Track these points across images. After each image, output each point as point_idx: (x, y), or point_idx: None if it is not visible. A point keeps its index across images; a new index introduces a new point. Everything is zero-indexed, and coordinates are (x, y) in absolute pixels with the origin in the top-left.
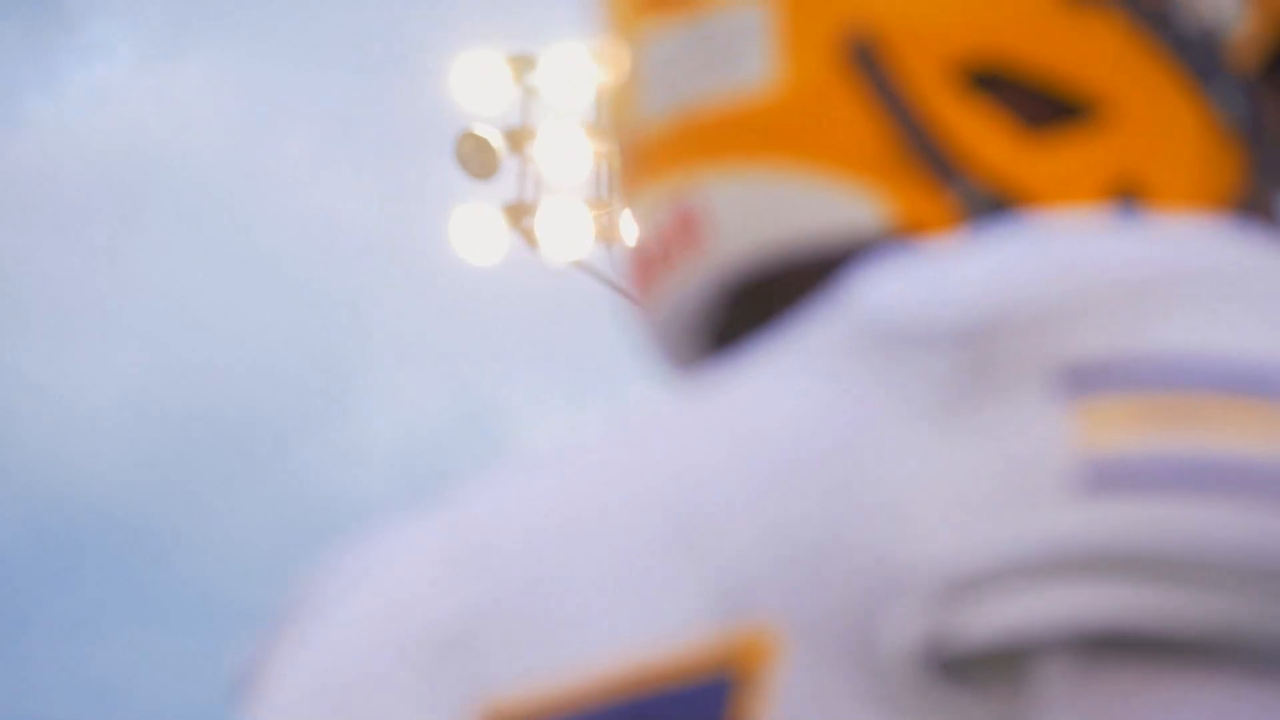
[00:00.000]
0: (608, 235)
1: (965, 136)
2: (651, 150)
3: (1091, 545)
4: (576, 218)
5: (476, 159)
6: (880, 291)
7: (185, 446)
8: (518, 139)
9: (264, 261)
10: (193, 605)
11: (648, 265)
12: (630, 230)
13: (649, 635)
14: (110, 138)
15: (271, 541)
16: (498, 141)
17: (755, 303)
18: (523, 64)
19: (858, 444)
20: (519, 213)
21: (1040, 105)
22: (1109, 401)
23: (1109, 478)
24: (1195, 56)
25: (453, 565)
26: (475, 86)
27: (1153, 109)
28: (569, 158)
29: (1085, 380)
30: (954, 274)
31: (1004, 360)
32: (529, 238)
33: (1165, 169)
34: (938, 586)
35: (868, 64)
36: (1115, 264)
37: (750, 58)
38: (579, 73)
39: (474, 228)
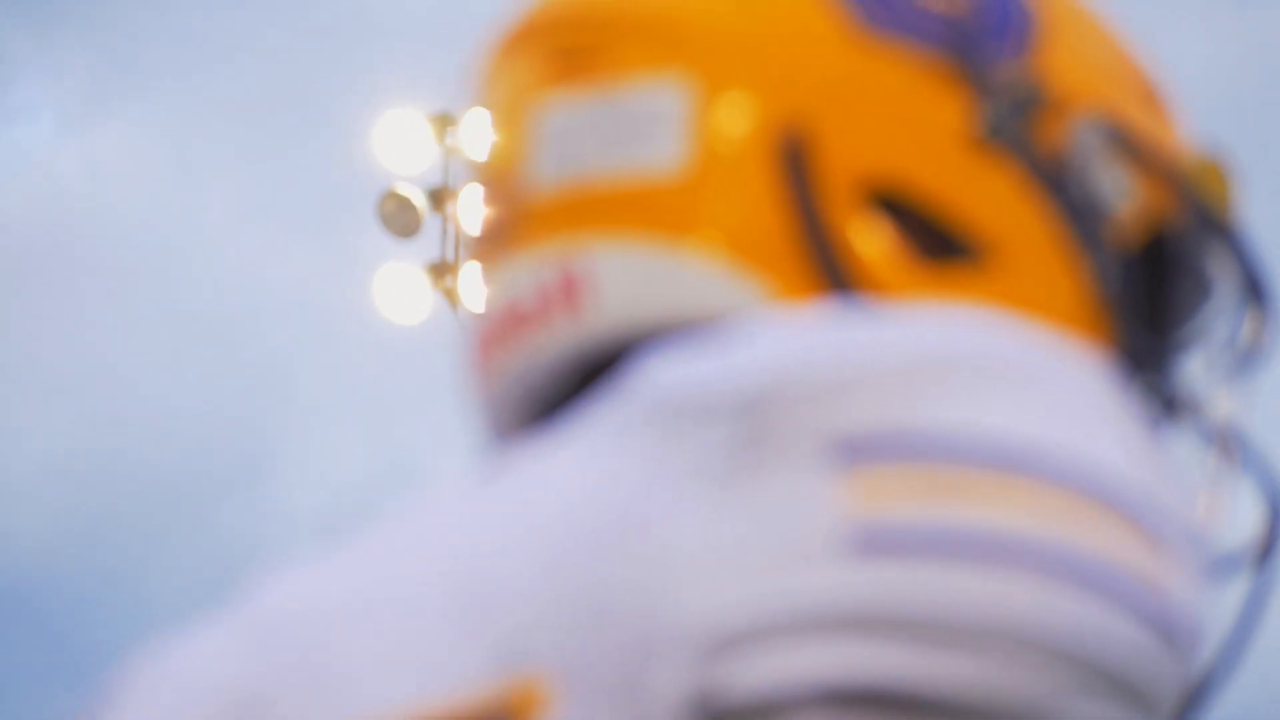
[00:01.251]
0: None
1: (860, 250)
2: (537, 213)
3: (852, 606)
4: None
5: (399, 218)
6: (665, 371)
7: (108, 507)
8: (440, 198)
9: (188, 322)
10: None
11: (514, 323)
12: (490, 289)
13: (431, 691)
14: (33, 200)
15: (195, 604)
16: (420, 201)
17: (604, 377)
18: (444, 123)
19: (632, 511)
20: (442, 272)
21: (932, 238)
22: (877, 472)
23: (874, 542)
24: (1082, 223)
25: (244, 640)
26: (397, 146)
27: (1034, 264)
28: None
29: (856, 451)
30: (734, 355)
31: (778, 432)
32: (452, 297)
33: (1035, 322)
34: (704, 642)
35: (793, 161)
36: (886, 347)
37: (662, 139)
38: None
39: (397, 287)
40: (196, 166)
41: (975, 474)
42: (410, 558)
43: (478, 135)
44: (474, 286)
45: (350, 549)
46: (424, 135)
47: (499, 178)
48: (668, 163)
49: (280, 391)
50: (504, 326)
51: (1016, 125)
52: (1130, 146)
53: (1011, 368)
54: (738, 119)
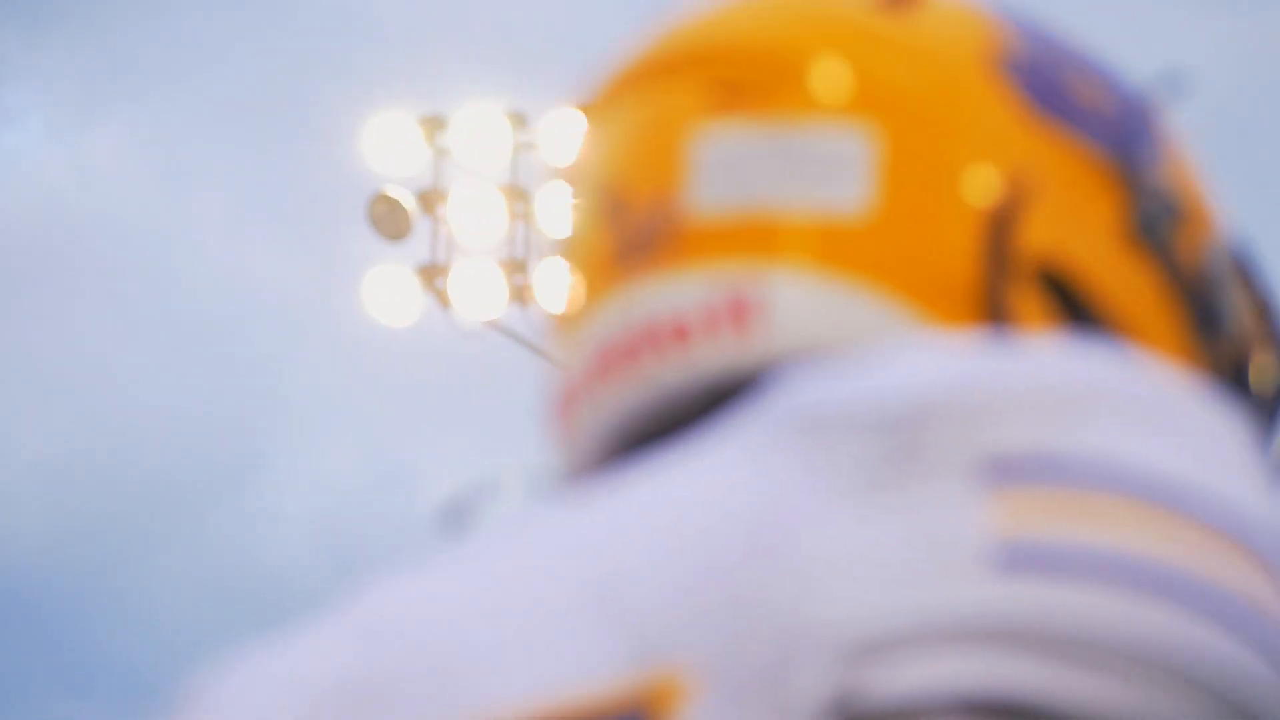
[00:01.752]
0: (521, 296)
1: (1023, 314)
2: (698, 234)
3: (995, 620)
4: (490, 279)
5: (389, 221)
6: (813, 386)
7: (102, 510)
8: (430, 201)
9: (179, 326)
10: (108, 670)
11: (664, 337)
12: (622, 302)
13: (562, 681)
14: (25, 204)
15: (188, 605)
16: (410, 203)
17: (730, 401)
18: (434, 125)
19: (780, 515)
20: (432, 274)
21: (1076, 319)
22: (1025, 493)
23: (1019, 560)
24: (1210, 338)
25: (351, 634)
26: (387, 149)
27: (1161, 353)
28: (482, 219)
29: (1005, 471)
30: (884, 372)
31: (929, 447)
32: (442, 299)
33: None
34: (847, 646)
35: (1000, 224)
36: (1036, 374)
37: (847, 181)
38: (491, 134)
39: (387, 289)
40: (187, 170)
41: (1118, 501)
42: (535, 556)
43: (468, 137)
44: (552, 286)
45: (460, 555)
46: (414, 138)
47: (632, 195)
48: (853, 204)
49: (271, 394)
50: (646, 339)
51: (1164, 229)
52: (1249, 281)
53: (1152, 403)
54: (938, 174)
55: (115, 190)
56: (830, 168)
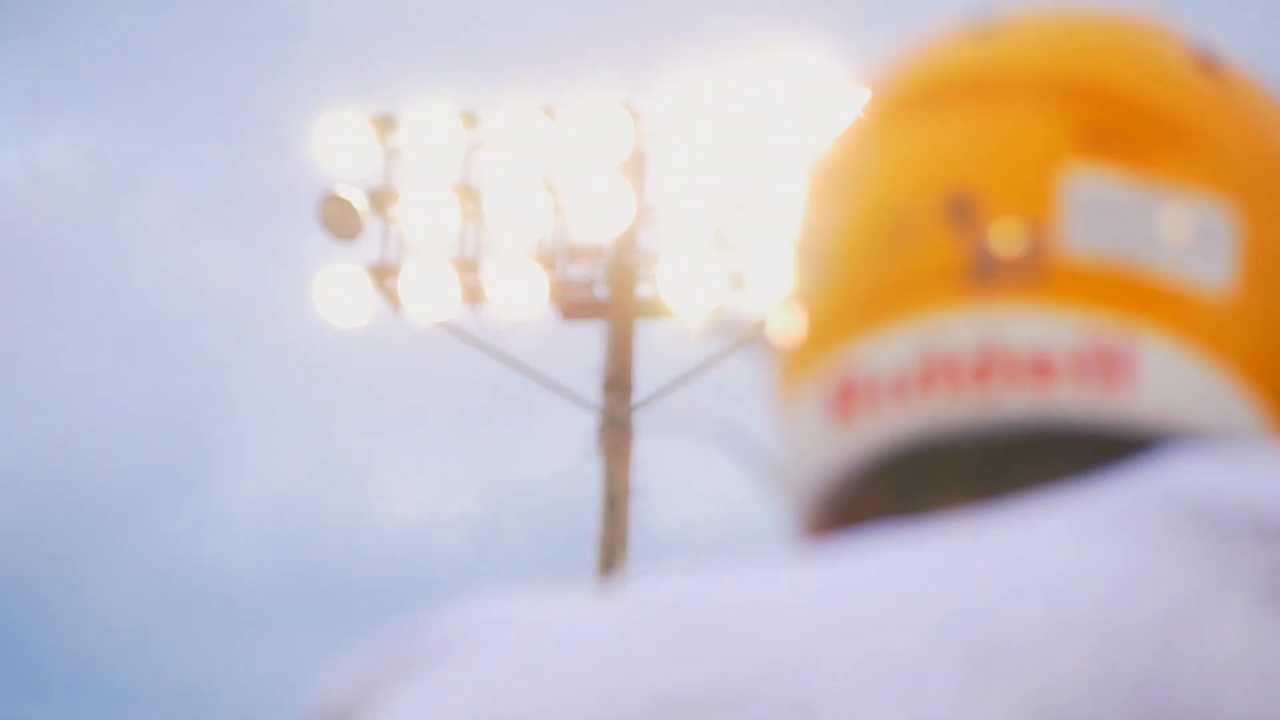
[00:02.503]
0: (472, 296)
1: None
2: (1070, 274)
3: None
4: (441, 279)
5: (340, 221)
6: (1199, 472)
7: (52, 512)
8: (381, 201)
9: (129, 326)
10: (58, 671)
11: (1011, 368)
12: (958, 324)
13: None
14: None
15: (138, 605)
16: (361, 203)
17: (1026, 460)
18: (385, 125)
19: (1192, 613)
20: (383, 274)
21: None
22: None
23: None
24: None
25: (693, 642)
26: (338, 149)
27: None
28: (433, 219)
29: None
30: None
31: None
32: (393, 299)
33: None
34: None
35: None
36: None
37: (1214, 258)
38: (442, 133)
39: (338, 289)
40: (137, 171)
41: None
42: (890, 586)
43: (419, 137)
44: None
45: (795, 562)
46: (364, 137)
47: (988, 206)
48: (1219, 282)
49: (221, 394)
50: (1002, 363)
51: None
52: None
53: None
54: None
55: (66, 191)
56: (1200, 240)
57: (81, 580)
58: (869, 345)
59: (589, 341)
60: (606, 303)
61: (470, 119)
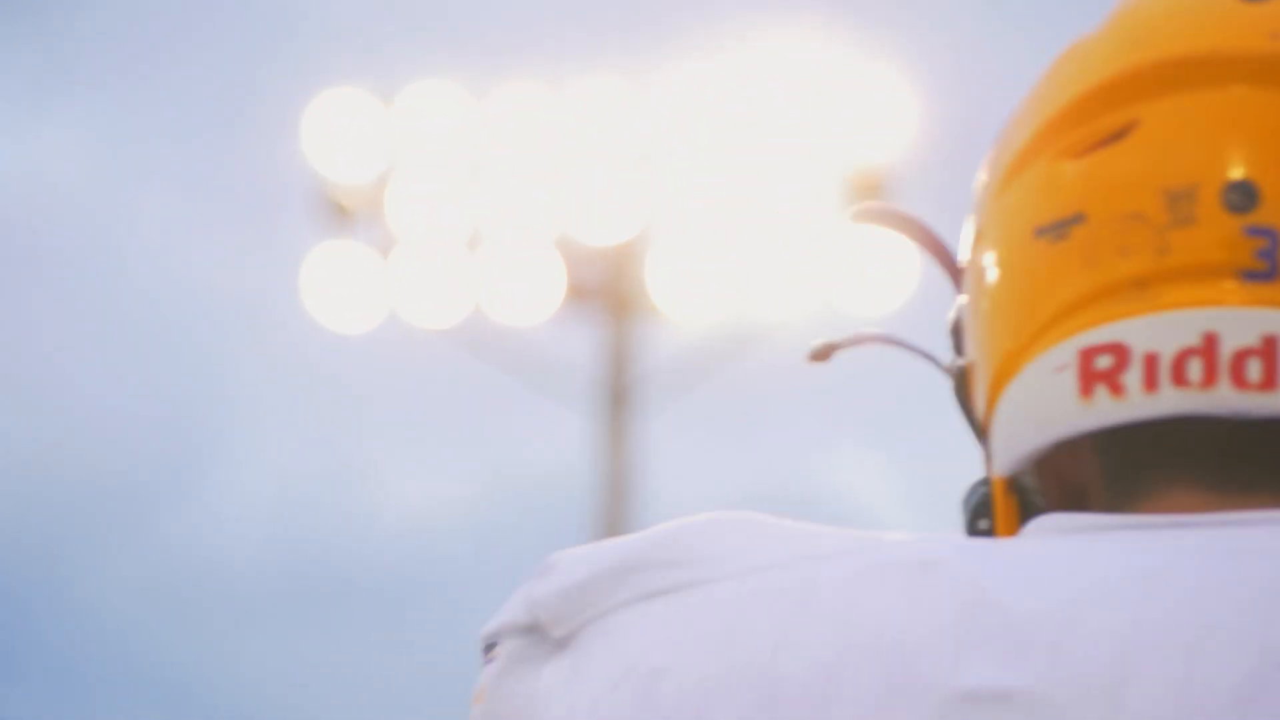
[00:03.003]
0: (470, 284)
1: None
2: None
3: None
4: (437, 271)
5: (335, 213)
6: None
7: (48, 507)
8: (377, 190)
9: (125, 321)
10: (52, 666)
11: (1234, 361)
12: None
13: None
14: None
15: (134, 601)
16: (357, 194)
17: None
18: (382, 111)
19: None
20: (378, 267)
21: None
22: None
23: None
24: None
25: (1013, 643)
26: (331, 135)
27: None
28: (428, 209)
29: None
30: None
31: None
32: (388, 292)
33: None
34: None
35: None
36: None
37: None
38: (440, 117)
39: (332, 283)
40: (132, 165)
41: None
42: (1199, 595)
43: (417, 121)
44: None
45: (1095, 555)
46: (361, 124)
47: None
48: None
49: (219, 390)
50: (1267, 358)
51: None
52: None
53: None
54: None
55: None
56: None
57: (76, 576)
58: (1149, 325)
59: (591, 330)
60: (610, 290)
61: (469, 100)
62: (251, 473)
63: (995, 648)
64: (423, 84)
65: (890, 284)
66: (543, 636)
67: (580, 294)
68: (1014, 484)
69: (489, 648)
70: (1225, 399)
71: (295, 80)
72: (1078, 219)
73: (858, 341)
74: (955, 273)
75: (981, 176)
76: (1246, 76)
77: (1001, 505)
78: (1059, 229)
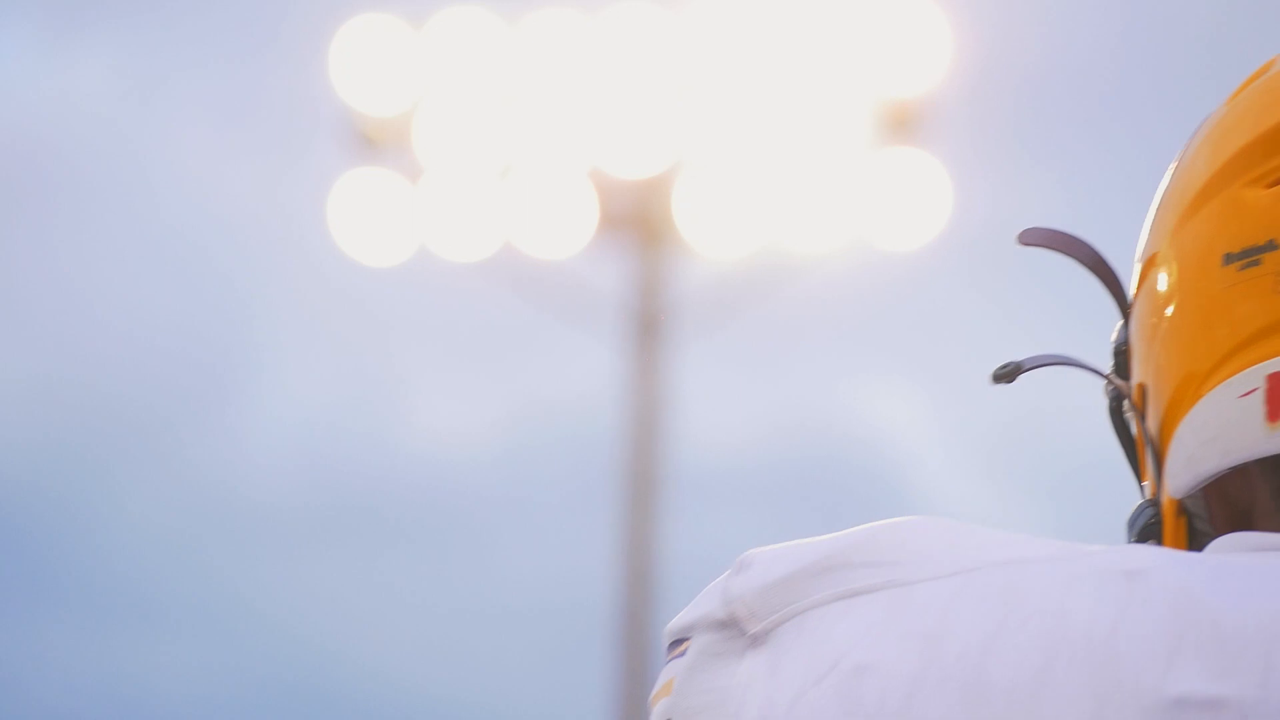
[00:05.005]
0: (498, 214)
1: None
2: None
3: None
4: (465, 199)
5: (363, 142)
6: None
7: (76, 431)
8: (405, 121)
9: (153, 247)
10: (83, 591)
11: None
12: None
13: None
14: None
15: (164, 525)
16: (384, 124)
17: None
18: (412, 38)
19: None
20: (406, 196)
21: None
22: None
23: None
24: None
25: (1200, 651)
26: (361, 67)
27: None
28: (458, 139)
29: None
30: None
31: None
32: (419, 219)
33: None
34: None
35: None
36: None
37: None
38: (471, 47)
39: (363, 210)
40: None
41: None
42: None
43: (446, 48)
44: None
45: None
46: (393, 48)
47: None
48: None
49: (246, 316)
50: None
51: None
52: None
53: None
54: None
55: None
56: None
57: (105, 504)
58: None
59: (622, 262)
60: (642, 222)
61: (502, 25)
62: (279, 402)
63: (1206, 656)
64: (454, 10)
65: (922, 218)
66: (739, 632)
67: (612, 225)
68: (1182, 507)
69: (676, 643)
70: None
71: (325, 5)
72: (1269, 247)
73: (1040, 364)
74: (1120, 294)
75: (1159, 204)
76: None
77: (1172, 527)
78: (1250, 256)
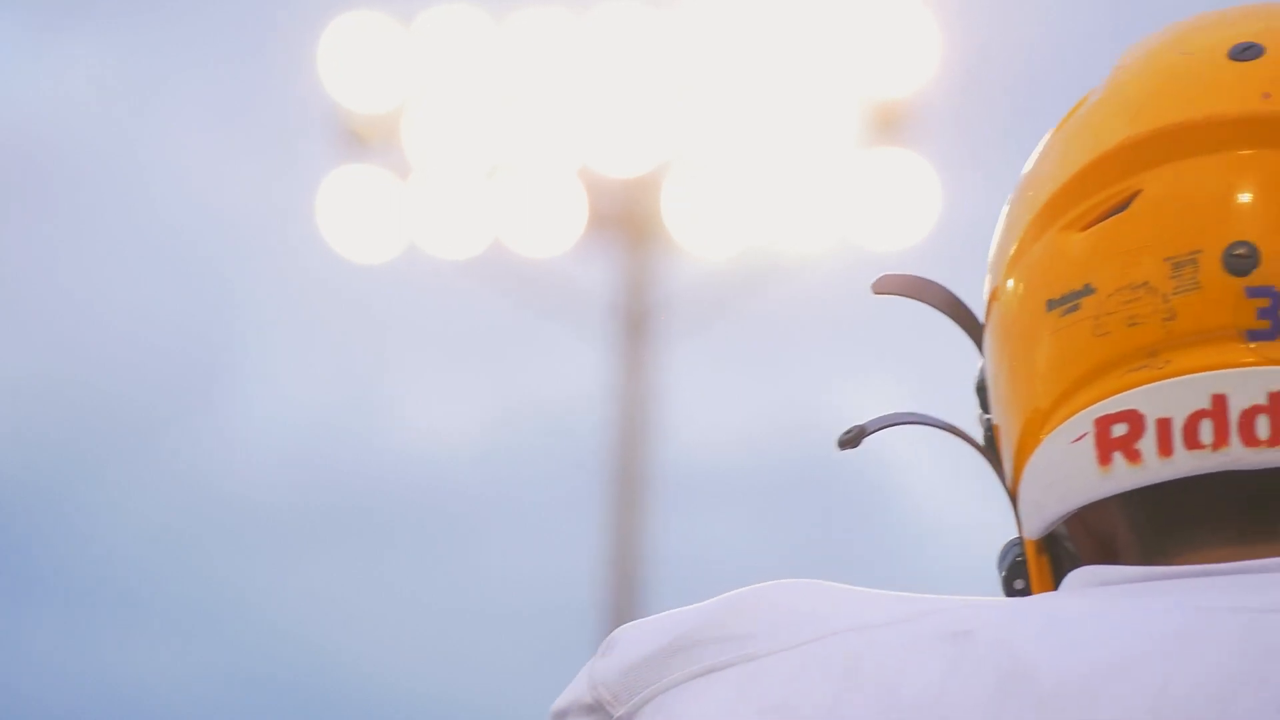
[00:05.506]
0: (485, 217)
1: None
2: None
3: None
4: (454, 198)
5: (352, 139)
6: None
7: (65, 427)
8: (394, 119)
9: (145, 244)
10: (75, 588)
11: (1244, 422)
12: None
13: None
14: None
15: (150, 523)
16: (373, 121)
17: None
18: (402, 32)
19: None
20: (395, 193)
21: None
22: None
23: None
24: None
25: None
26: (350, 64)
27: None
28: (447, 136)
29: None
30: None
31: None
32: (408, 217)
33: None
34: None
35: None
36: None
37: None
38: (460, 44)
39: (352, 207)
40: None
41: None
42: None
43: (435, 46)
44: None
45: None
46: (383, 46)
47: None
48: None
49: (236, 314)
50: (1275, 414)
51: None
52: None
53: None
54: None
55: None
56: None
57: (95, 502)
58: (1159, 392)
59: (611, 261)
60: (630, 221)
61: (490, 22)
62: (270, 399)
63: (1028, 715)
64: (443, 7)
65: (911, 218)
66: (605, 716)
67: (600, 224)
68: (1046, 540)
69: None
70: (1237, 457)
71: (314, 2)
72: (1086, 291)
73: (885, 425)
74: (976, 334)
75: (994, 245)
76: (1242, 139)
77: (1035, 566)
78: (1069, 302)
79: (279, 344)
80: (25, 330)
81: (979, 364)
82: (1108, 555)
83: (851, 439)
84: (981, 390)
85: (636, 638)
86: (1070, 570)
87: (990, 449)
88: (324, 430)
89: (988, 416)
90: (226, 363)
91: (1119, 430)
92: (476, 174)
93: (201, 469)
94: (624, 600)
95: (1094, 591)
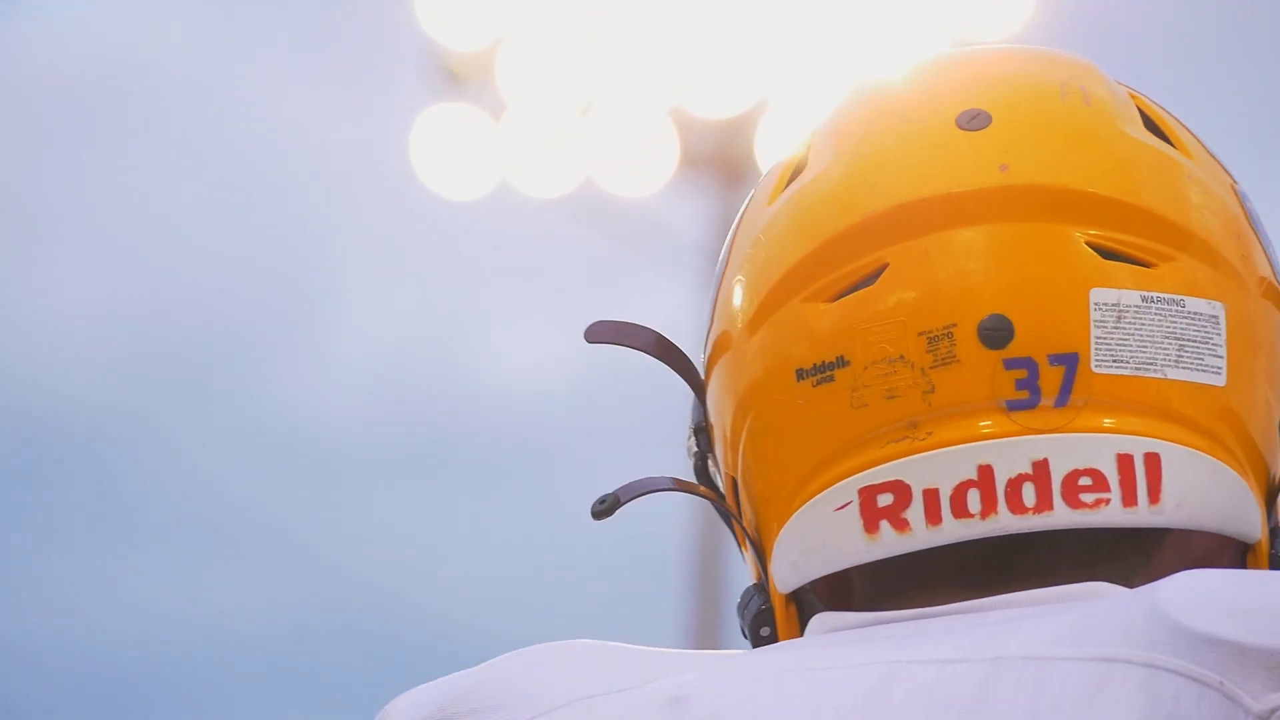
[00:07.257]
0: (579, 150)
1: None
2: (1105, 395)
3: None
4: (547, 135)
5: (447, 76)
6: (1195, 590)
7: (152, 362)
8: (488, 56)
9: (229, 178)
10: (158, 522)
11: (1067, 486)
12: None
13: None
14: (75, 49)
15: (236, 459)
16: (468, 58)
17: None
18: None
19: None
20: (488, 131)
21: None
22: None
23: None
24: None
25: None
26: (448, 2)
27: None
28: (541, 75)
29: None
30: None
31: None
32: (498, 156)
33: None
34: None
35: None
36: None
37: (1217, 355)
38: None
39: (442, 146)
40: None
41: None
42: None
43: None
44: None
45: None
46: None
47: (1026, 331)
48: (1220, 377)
49: (323, 250)
50: (1064, 483)
51: None
52: None
53: None
54: (1255, 343)
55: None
56: (1206, 342)
57: (183, 429)
58: (925, 463)
59: (702, 201)
60: (723, 161)
61: None
62: (357, 336)
63: None
64: None
65: None
66: None
67: (693, 164)
68: (790, 598)
69: None
70: (1005, 524)
71: None
72: (840, 363)
73: (637, 493)
74: (691, 376)
75: (718, 298)
76: (983, 213)
77: (783, 616)
78: (822, 373)
79: (368, 280)
80: (118, 263)
81: (694, 404)
82: (842, 599)
83: (606, 509)
84: (701, 432)
85: (404, 709)
86: (810, 614)
87: (703, 474)
88: (412, 366)
89: (711, 457)
90: (316, 298)
91: (885, 500)
92: (570, 112)
93: (289, 404)
94: (710, 530)
95: (821, 640)
